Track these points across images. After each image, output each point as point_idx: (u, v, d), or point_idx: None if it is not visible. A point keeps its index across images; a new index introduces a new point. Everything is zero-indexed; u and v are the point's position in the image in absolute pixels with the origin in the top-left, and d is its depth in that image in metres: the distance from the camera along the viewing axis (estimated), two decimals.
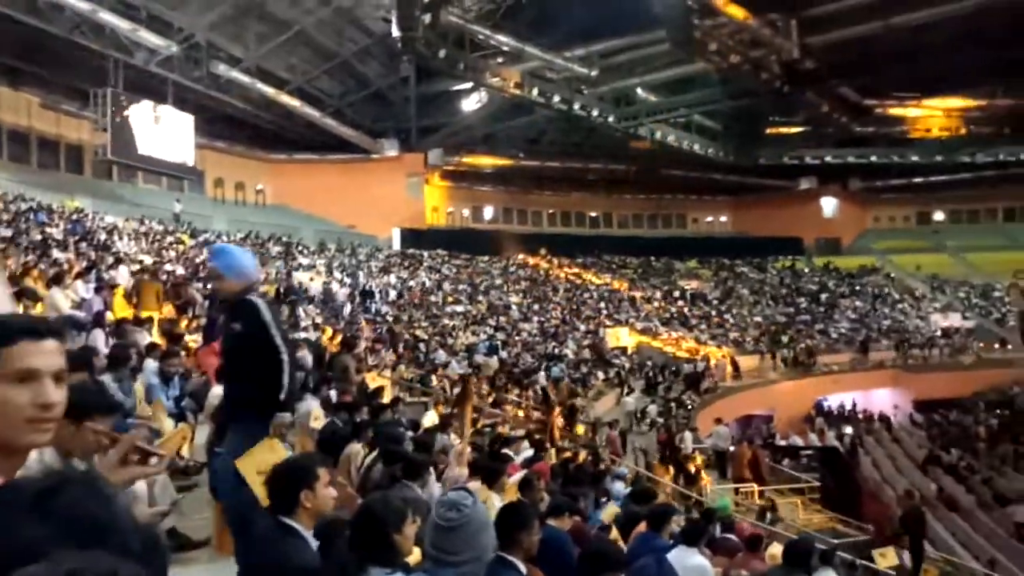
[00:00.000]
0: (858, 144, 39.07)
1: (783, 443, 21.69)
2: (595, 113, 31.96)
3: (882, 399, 31.13)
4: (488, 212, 41.94)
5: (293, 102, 32.42)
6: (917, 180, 43.97)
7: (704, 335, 31.86)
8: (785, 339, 32.71)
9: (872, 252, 45.13)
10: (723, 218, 48.38)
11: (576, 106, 31.27)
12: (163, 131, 29.45)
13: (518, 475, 6.45)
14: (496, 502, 4.80)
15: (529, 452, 9.96)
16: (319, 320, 16.74)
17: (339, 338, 14.60)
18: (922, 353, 33.23)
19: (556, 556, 4.23)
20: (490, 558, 2.11)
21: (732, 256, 43.70)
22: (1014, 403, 30.47)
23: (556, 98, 30.44)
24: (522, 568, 3.26)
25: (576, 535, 4.93)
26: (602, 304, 33.58)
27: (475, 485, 6.09)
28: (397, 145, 36.08)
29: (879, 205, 47.81)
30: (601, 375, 23.49)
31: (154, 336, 9.66)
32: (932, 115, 33.46)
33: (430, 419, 10.66)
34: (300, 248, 29.32)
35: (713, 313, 35.65)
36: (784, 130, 37.23)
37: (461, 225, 40.39)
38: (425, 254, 33.88)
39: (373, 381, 12.26)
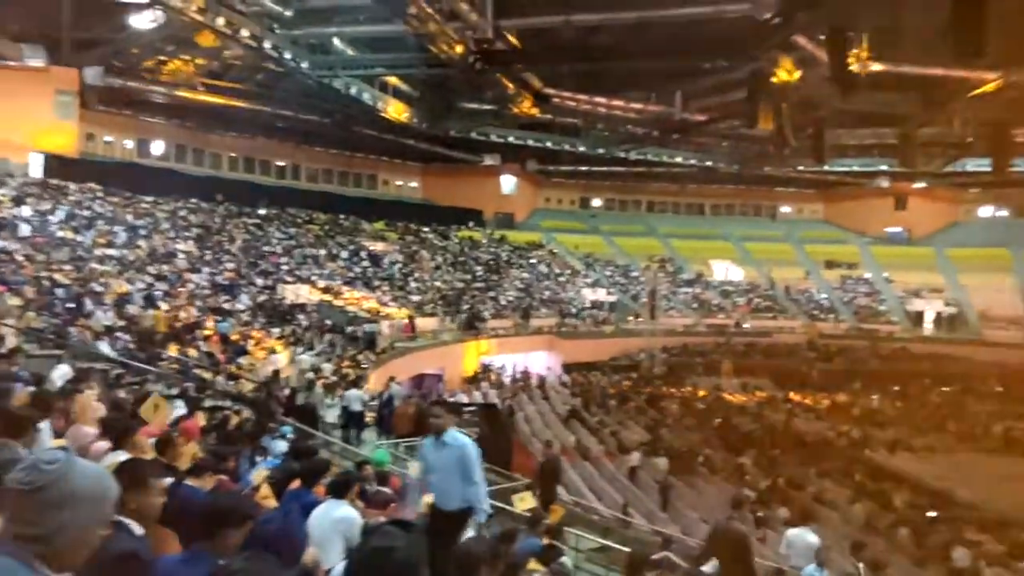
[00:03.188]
0: (538, 128, 42.17)
1: (450, 400, 22.93)
2: (287, 56, 30.24)
3: (539, 361, 34.68)
4: (157, 147, 37.62)
5: None
6: (582, 168, 49.18)
7: (386, 296, 32.32)
8: (464, 306, 34.58)
9: (540, 229, 49.79)
10: (413, 184, 49.42)
11: (267, 45, 29.23)
12: None
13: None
14: None
15: (182, 411, 9.33)
16: None
17: None
18: (573, 322, 37.58)
19: (191, 516, 3.88)
20: (78, 534, 1.63)
21: (419, 221, 44.85)
22: (639, 367, 36.22)
23: (244, 32, 28.08)
24: (135, 528, 2.90)
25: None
26: (283, 259, 32.25)
27: (103, 444, 5.41)
28: (44, 55, 30.39)
29: (550, 187, 52.88)
30: (277, 332, 22.62)
31: None
32: (598, 111, 37.24)
33: (61, 373, 9.34)
34: None
35: (396, 275, 36.31)
36: (474, 106, 38.80)
37: (122, 158, 35.66)
38: (73, 186, 29.20)
39: None
